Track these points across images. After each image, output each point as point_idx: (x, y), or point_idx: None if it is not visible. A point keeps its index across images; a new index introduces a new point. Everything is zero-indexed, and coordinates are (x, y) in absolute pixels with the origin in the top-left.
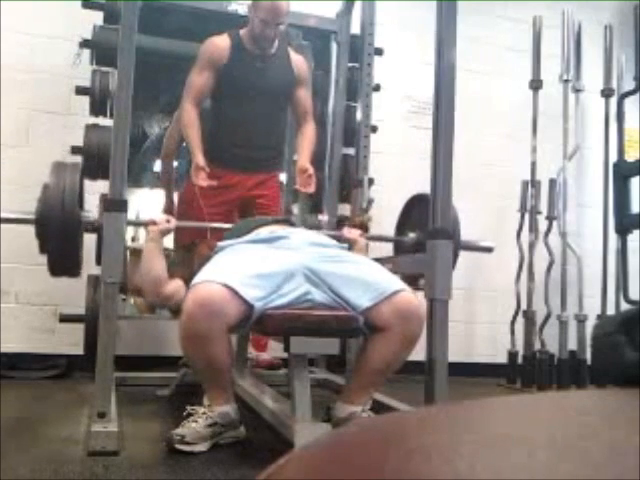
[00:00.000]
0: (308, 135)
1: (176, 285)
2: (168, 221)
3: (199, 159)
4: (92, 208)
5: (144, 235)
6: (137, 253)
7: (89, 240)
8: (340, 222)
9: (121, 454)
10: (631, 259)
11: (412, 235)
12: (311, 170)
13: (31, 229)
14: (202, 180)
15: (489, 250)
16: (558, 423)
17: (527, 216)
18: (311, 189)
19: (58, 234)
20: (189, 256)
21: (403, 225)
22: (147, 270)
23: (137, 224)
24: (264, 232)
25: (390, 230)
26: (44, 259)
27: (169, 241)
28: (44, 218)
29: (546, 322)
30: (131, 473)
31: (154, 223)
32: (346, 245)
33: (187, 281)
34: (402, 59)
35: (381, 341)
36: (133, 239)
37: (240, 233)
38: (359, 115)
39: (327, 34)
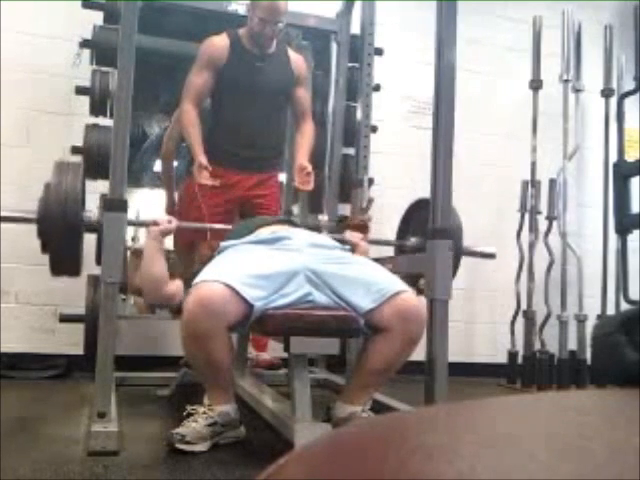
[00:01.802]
0: (307, 134)
1: (177, 285)
2: (170, 222)
3: (201, 158)
4: (92, 208)
5: (145, 235)
6: (137, 254)
7: (89, 240)
8: (340, 222)
9: (121, 454)
10: (631, 259)
11: (413, 240)
12: (309, 168)
13: (32, 229)
14: (205, 179)
15: (491, 256)
16: (558, 423)
17: (527, 216)
18: (310, 187)
19: (60, 234)
20: (189, 256)
21: (405, 229)
22: (148, 270)
23: (139, 224)
24: (266, 232)
25: (390, 230)
26: (44, 259)
27: (169, 242)
28: (46, 218)
29: (546, 322)
30: (131, 473)
31: (156, 223)
32: (348, 247)
33: (188, 281)
34: (402, 59)
35: (382, 342)
36: (133, 239)
37: (242, 234)
38: (359, 115)
39: (327, 34)
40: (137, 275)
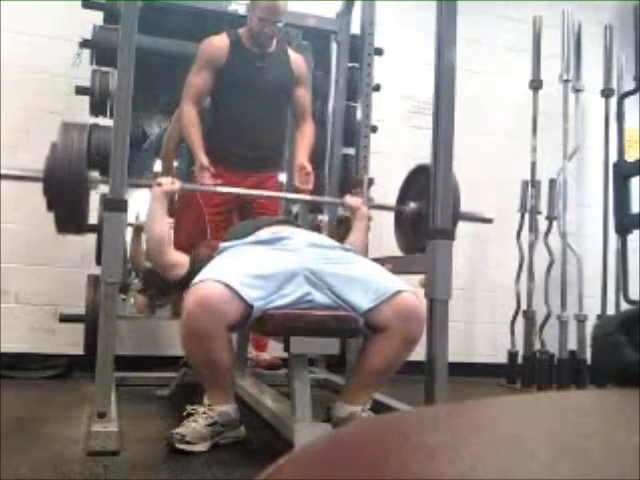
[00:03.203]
0: (307, 134)
1: (181, 257)
2: (173, 183)
3: (203, 159)
4: (92, 208)
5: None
6: (139, 230)
7: (89, 240)
8: (340, 222)
9: (121, 454)
10: (631, 259)
11: (413, 205)
12: (309, 168)
13: (31, 228)
14: (207, 179)
15: (489, 221)
16: (558, 423)
17: (527, 216)
18: (309, 187)
19: (65, 192)
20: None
21: (405, 195)
22: (151, 230)
23: (142, 185)
24: (266, 233)
25: (390, 231)
26: (44, 259)
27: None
28: (52, 175)
29: (546, 322)
30: (131, 473)
31: (159, 184)
32: (348, 246)
33: (188, 283)
34: (402, 59)
35: (382, 342)
36: (137, 218)
37: (242, 234)
38: (359, 115)
39: (327, 34)
40: (139, 251)
